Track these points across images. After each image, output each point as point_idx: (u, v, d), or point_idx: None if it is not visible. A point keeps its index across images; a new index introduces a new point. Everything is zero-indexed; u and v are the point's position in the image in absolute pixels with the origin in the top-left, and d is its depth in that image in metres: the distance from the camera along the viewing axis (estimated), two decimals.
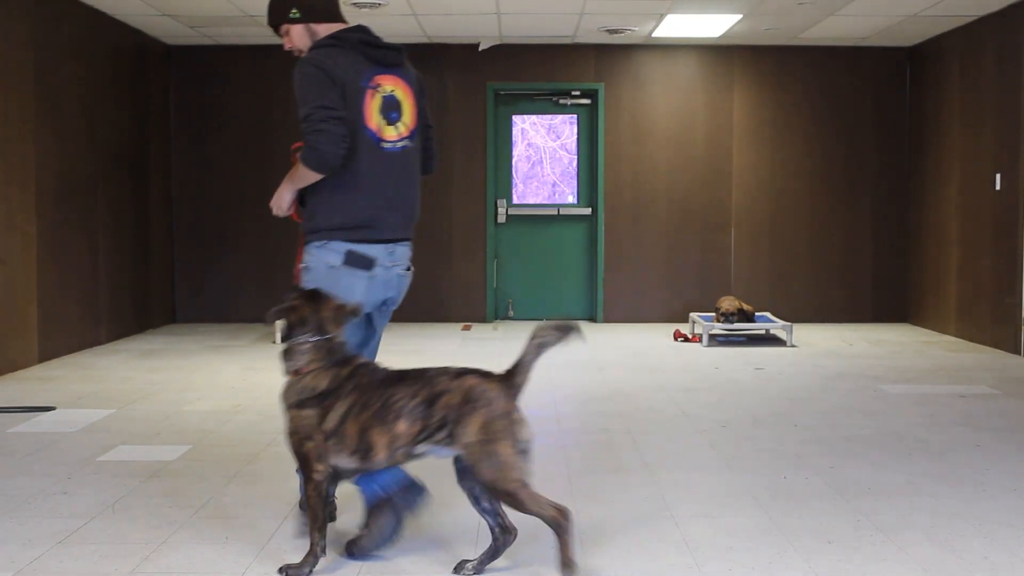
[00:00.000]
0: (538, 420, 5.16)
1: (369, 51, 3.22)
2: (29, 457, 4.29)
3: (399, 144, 3.27)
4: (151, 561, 3.04)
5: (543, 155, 9.53)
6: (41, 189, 6.77)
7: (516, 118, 9.47)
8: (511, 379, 2.89)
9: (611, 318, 9.34)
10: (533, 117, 9.48)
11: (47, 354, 6.85)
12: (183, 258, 9.24)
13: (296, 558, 3.02)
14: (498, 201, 9.38)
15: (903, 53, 9.22)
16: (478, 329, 8.85)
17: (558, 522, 2.78)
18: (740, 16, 7.93)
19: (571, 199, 9.53)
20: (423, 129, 3.41)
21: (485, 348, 7.70)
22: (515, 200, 9.50)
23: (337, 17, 3.32)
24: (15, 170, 6.45)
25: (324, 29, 3.28)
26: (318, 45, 3.21)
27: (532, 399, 5.70)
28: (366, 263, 3.19)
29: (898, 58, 9.23)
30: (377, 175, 3.22)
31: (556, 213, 9.46)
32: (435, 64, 9.14)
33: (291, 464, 4.19)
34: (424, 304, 9.19)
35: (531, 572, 2.97)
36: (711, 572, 2.96)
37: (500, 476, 2.78)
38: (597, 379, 6.35)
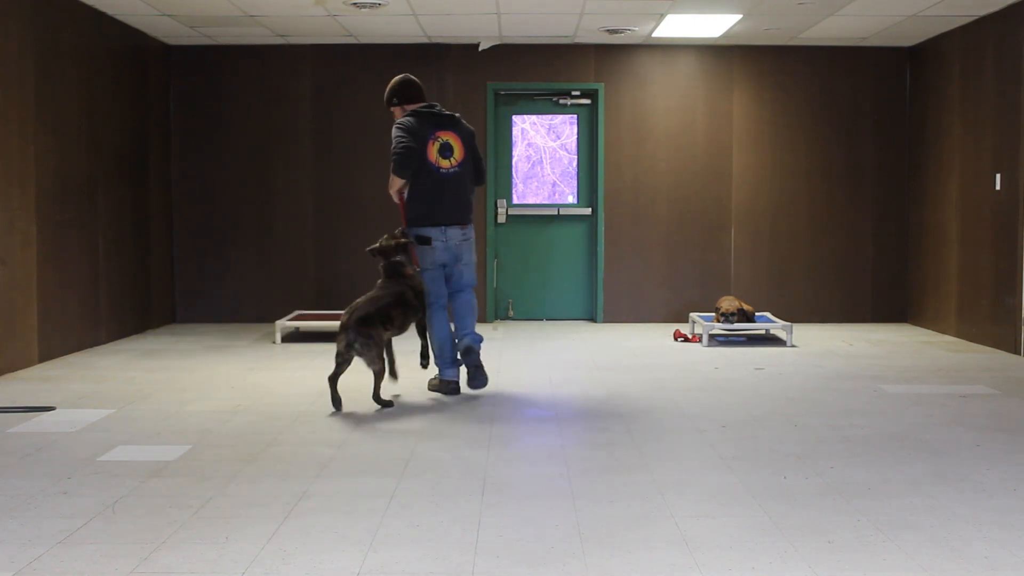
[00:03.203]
0: (538, 420, 5.17)
1: (433, 118, 5.69)
2: (29, 457, 4.29)
3: (451, 170, 5.69)
4: (151, 561, 3.04)
5: (543, 155, 9.53)
6: (41, 189, 6.77)
7: (516, 118, 9.47)
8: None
9: (611, 318, 9.34)
10: (533, 117, 9.48)
11: (47, 354, 6.85)
12: (183, 258, 9.24)
13: (296, 557, 3.02)
14: (498, 201, 9.38)
15: (903, 53, 9.22)
16: (478, 329, 8.81)
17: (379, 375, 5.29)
18: (740, 16, 7.93)
19: (571, 199, 9.53)
20: (473, 160, 5.80)
21: (485, 348, 7.68)
22: (515, 200, 9.50)
23: (417, 100, 5.77)
24: (15, 170, 6.45)
25: (411, 107, 5.75)
26: (406, 115, 5.71)
27: (532, 399, 5.72)
28: (426, 241, 5.69)
29: (898, 58, 9.23)
30: (435, 188, 5.66)
31: (556, 213, 9.46)
32: (435, 64, 9.14)
33: (291, 465, 4.20)
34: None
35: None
36: (711, 572, 2.96)
37: None
38: (597, 379, 6.34)
